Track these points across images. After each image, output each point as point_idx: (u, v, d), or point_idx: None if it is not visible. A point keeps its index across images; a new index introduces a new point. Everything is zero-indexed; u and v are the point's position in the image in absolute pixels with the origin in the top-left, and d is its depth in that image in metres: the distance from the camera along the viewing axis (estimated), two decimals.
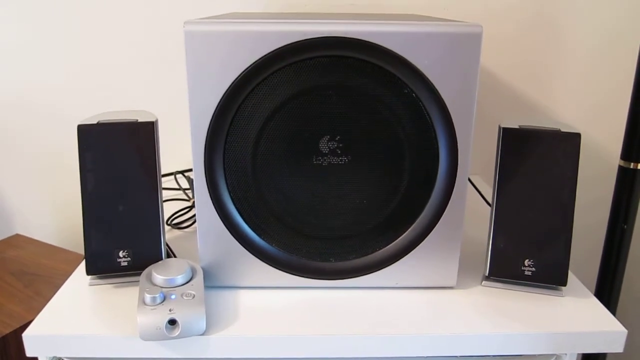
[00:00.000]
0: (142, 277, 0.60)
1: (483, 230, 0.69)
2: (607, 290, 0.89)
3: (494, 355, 0.59)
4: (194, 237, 0.78)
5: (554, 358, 0.61)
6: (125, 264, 0.63)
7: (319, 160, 0.60)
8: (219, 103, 0.57)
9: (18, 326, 0.78)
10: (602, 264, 0.89)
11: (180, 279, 0.58)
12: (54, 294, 0.63)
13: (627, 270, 0.88)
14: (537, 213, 0.63)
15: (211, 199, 0.61)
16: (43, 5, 1.00)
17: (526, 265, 0.64)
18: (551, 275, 0.64)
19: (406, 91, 0.58)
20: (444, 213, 0.62)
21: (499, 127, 0.63)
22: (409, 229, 0.63)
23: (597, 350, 0.59)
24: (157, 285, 0.58)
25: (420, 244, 0.63)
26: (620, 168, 0.84)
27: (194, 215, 0.63)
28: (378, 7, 1.01)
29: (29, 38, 1.02)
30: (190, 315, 0.55)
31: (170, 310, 0.54)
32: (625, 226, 0.85)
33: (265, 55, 0.56)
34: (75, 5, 1.00)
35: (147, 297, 0.55)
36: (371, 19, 0.59)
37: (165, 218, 0.83)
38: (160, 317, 0.54)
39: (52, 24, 1.01)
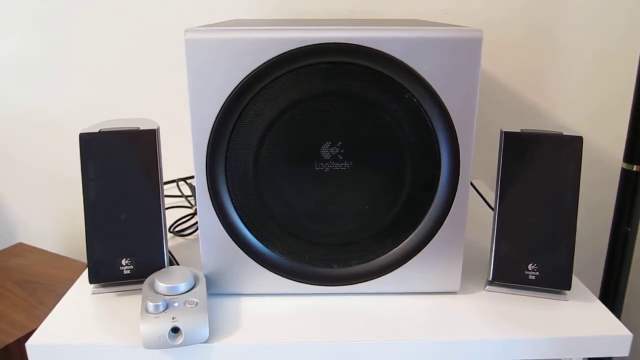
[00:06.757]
0: (145, 285, 0.60)
1: (486, 234, 0.69)
2: (612, 294, 0.88)
3: None
4: (196, 245, 0.78)
5: None
6: (128, 272, 0.63)
7: (321, 166, 0.60)
8: (220, 110, 0.58)
9: (21, 335, 0.78)
10: (606, 268, 0.89)
11: (183, 287, 0.58)
12: (57, 302, 0.63)
13: (631, 273, 0.88)
14: (540, 217, 0.63)
15: (213, 207, 0.61)
16: (44, 16, 1.00)
17: (530, 269, 0.63)
18: (555, 280, 0.63)
19: (407, 96, 0.58)
20: (447, 218, 0.62)
21: (501, 131, 0.63)
22: (412, 235, 0.63)
23: (602, 354, 0.58)
24: (160, 293, 0.58)
25: (423, 249, 0.63)
26: (623, 171, 0.84)
27: (197, 223, 0.63)
28: (377, 12, 1.01)
29: (30, 49, 1.02)
30: (193, 323, 0.54)
31: (173, 319, 0.54)
32: (629, 229, 0.85)
33: (266, 63, 0.56)
34: (76, 15, 1.00)
35: (150, 305, 0.55)
36: (371, 25, 0.59)
37: (168, 225, 0.83)
38: (163, 325, 0.53)
39: (53, 34, 1.01)
